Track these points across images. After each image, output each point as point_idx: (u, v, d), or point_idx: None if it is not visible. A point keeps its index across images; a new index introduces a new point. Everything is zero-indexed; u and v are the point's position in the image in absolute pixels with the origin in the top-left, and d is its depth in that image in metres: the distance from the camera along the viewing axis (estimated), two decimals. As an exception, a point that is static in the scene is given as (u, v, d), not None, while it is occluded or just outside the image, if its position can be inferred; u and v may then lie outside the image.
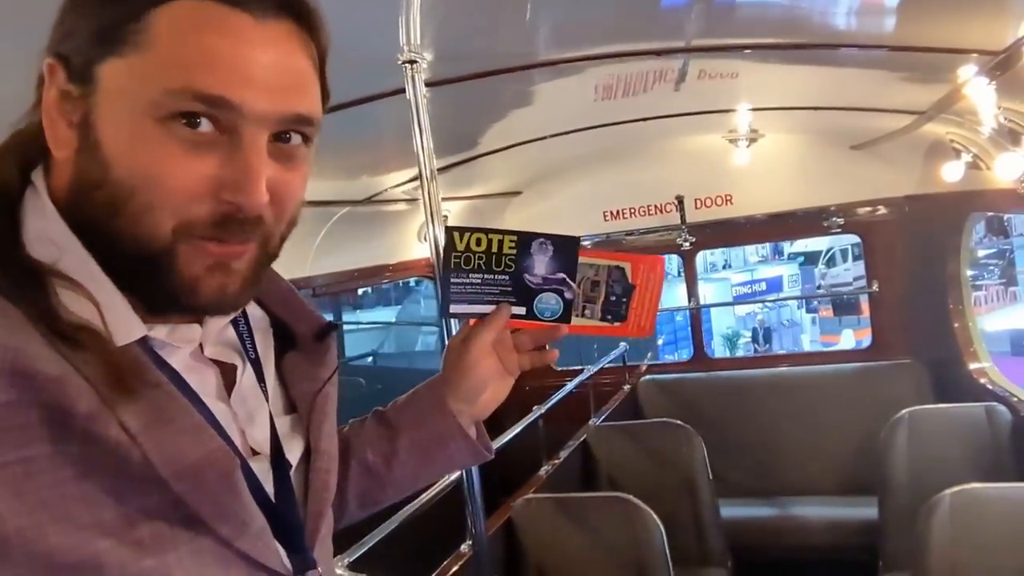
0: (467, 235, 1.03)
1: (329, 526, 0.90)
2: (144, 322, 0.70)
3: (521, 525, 2.90)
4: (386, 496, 1.14)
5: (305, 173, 0.76)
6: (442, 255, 1.04)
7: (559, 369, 4.44)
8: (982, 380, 3.76)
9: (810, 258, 18.99)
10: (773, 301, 17.34)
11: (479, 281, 1.04)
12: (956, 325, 3.94)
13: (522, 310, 1.06)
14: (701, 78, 2.88)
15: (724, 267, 18.26)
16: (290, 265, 0.88)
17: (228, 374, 0.82)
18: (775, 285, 17.84)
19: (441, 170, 3.45)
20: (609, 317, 1.10)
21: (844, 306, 17.12)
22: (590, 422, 4.07)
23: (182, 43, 0.65)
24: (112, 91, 0.67)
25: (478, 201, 4.49)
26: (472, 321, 1.08)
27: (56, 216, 0.70)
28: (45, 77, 0.69)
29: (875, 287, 4.43)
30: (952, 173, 3.21)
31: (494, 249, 1.04)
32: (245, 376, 0.83)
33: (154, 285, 0.70)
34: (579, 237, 1.07)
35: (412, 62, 1.68)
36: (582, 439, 3.84)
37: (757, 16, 2.29)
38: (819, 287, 18.64)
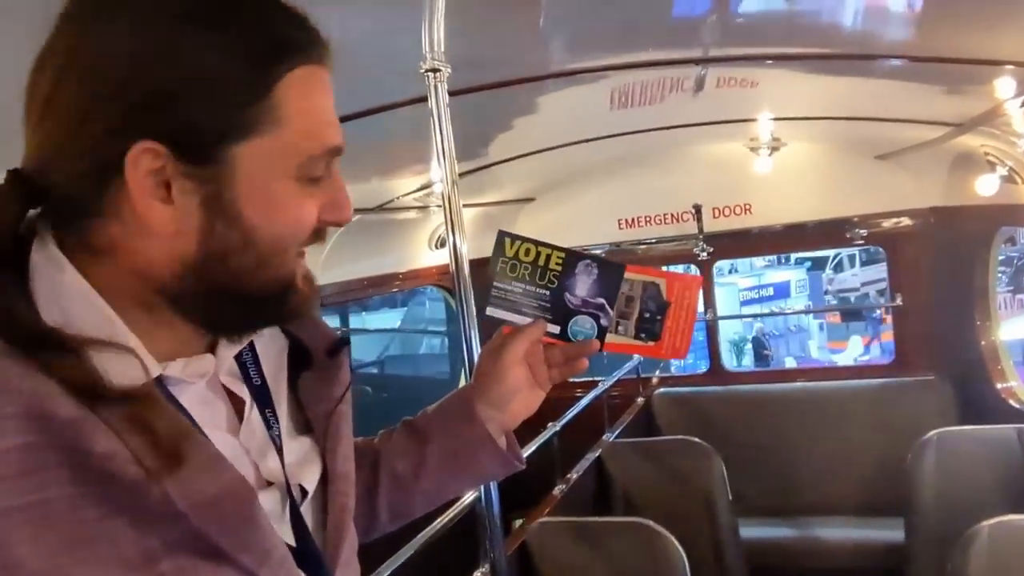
0: (517, 243, 1.06)
1: (352, 548, 0.91)
2: (159, 361, 0.73)
3: (536, 550, 2.79)
4: (416, 506, 1.15)
5: None
6: (490, 257, 1.06)
7: (572, 380, 4.35)
8: (1010, 400, 3.65)
9: (817, 263, 18.88)
10: (799, 312, 17.28)
11: (520, 291, 1.07)
12: (983, 342, 3.83)
13: (556, 329, 1.08)
14: (720, 86, 2.81)
15: (731, 272, 18.15)
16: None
17: (239, 403, 0.84)
18: (782, 290, 17.70)
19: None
20: (643, 335, 1.10)
21: (852, 313, 17.03)
22: (604, 437, 3.97)
23: (310, 114, 0.75)
24: (253, 168, 0.72)
25: (491, 208, 4.41)
26: (505, 329, 1.09)
27: (70, 268, 0.71)
28: (128, 159, 0.69)
29: (899, 300, 4.32)
30: (987, 186, 3.12)
31: (540, 262, 1.06)
32: (253, 409, 0.85)
33: (281, 308, 0.80)
34: (624, 265, 1.08)
35: (435, 70, 1.61)
36: (596, 456, 3.74)
37: (775, 26, 2.20)
38: (826, 292, 18.54)
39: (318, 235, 0.80)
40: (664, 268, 1.17)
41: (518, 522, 3.03)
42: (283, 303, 0.79)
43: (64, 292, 0.70)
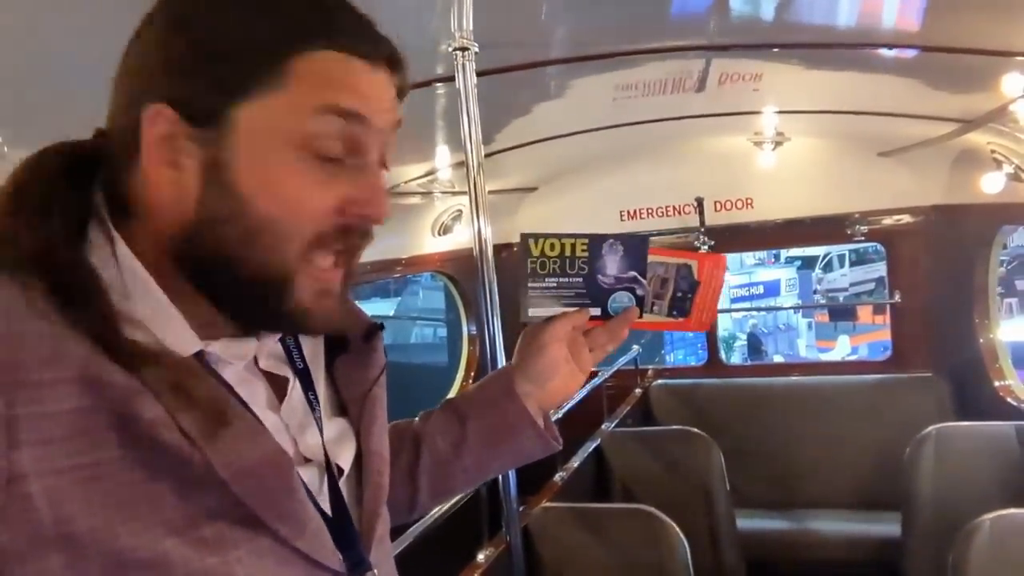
0: (541, 240, 1.08)
1: (386, 527, 0.93)
2: (201, 338, 0.74)
3: (539, 534, 2.79)
4: (457, 484, 1.17)
5: None
6: (520, 261, 1.07)
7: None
8: (1008, 398, 3.68)
9: (807, 262, 18.95)
10: (796, 308, 17.30)
11: (555, 284, 1.08)
12: (981, 340, 3.85)
13: (598, 311, 1.10)
14: (723, 81, 2.80)
15: (721, 269, 18.14)
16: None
17: (279, 386, 0.85)
18: (773, 289, 17.76)
19: (456, 165, 3.39)
20: (675, 313, 1.14)
21: (840, 312, 17.09)
22: (603, 427, 3.97)
23: (323, 76, 0.73)
24: (252, 130, 0.72)
25: (493, 196, 4.38)
26: None
27: (119, 238, 0.73)
28: (144, 121, 0.72)
29: (897, 297, 4.34)
30: (992, 184, 3.12)
31: (567, 253, 1.08)
32: (295, 388, 0.87)
33: (272, 310, 0.76)
34: (647, 236, 1.12)
35: (464, 49, 1.60)
36: (596, 445, 3.74)
37: (780, 15, 2.19)
38: (815, 291, 18.61)
39: (345, 235, 0.76)
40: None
41: (519, 508, 3.04)
42: (277, 304, 0.76)
43: (115, 264, 0.72)
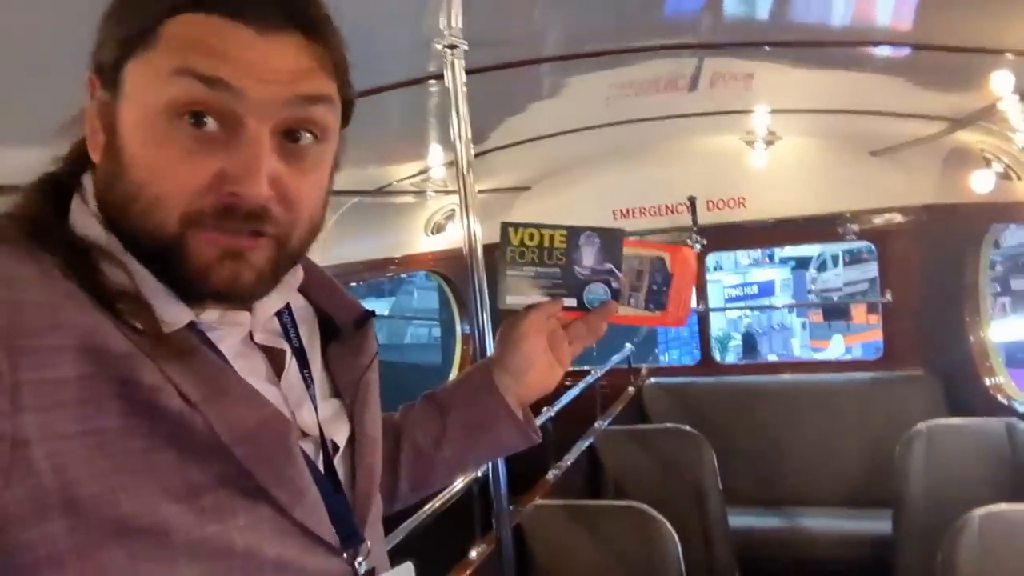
0: (520, 230, 1.09)
1: (378, 510, 0.94)
2: (192, 308, 0.75)
3: (531, 531, 2.80)
4: (437, 477, 1.17)
5: (319, 177, 0.79)
6: (498, 250, 1.08)
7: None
8: (998, 395, 3.69)
9: (801, 263, 19.01)
10: (790, 307, 17.35)
11: (533, 274, 1.09)
12: (972, 338, 3.87)
13: (573, 301, 1.11)
14: (715, 80, 2.81)
15: (715, 269, 18.22)
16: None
17: (277, 361, 0.86)
18: (767, 289, 17.82)
19: (449, 164, 3.39)
20: (651, 306, 1.15)
21: (834, 312, 17.15)
22: (596, 425, 3.98)
23: (185, 39, 0.70)
24: (131, 90, 0.71)
25: (486, 196, 4.40)
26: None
27: (97, 214, 0.75)
28: (88, 91, 0.76)
29: (888, 296, 4.35)
30: (982, 183, 3.13)
31: (546, 244, 1.09)
32: (292, 363, 0.87)
33: (170, 273, 0.73)
34: (624, 230, 1.12)
35: (453, 47, 1.61)
36: (589, 443, 3.75)
37: (773, 12, 2.20)
38: (810, 291, 18.67)
39: (226, 216, 0.71)
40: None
41: (511, 506, 3.04)
42: (170, 269, 0.73)
43: (90, 235, 0.74)
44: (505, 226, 1.08)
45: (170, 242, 0.71)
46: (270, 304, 0.84)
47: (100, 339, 0.65)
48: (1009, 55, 2.19)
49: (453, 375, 4.45)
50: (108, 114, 0.73)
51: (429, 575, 2.35)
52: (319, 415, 0.87)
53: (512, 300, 1.09)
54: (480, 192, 4.25)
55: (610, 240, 1.11)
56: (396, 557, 2.10)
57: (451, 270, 4.32)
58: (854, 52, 2.45)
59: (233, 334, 0.81)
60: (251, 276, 0.74)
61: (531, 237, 1.08)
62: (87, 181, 0.77)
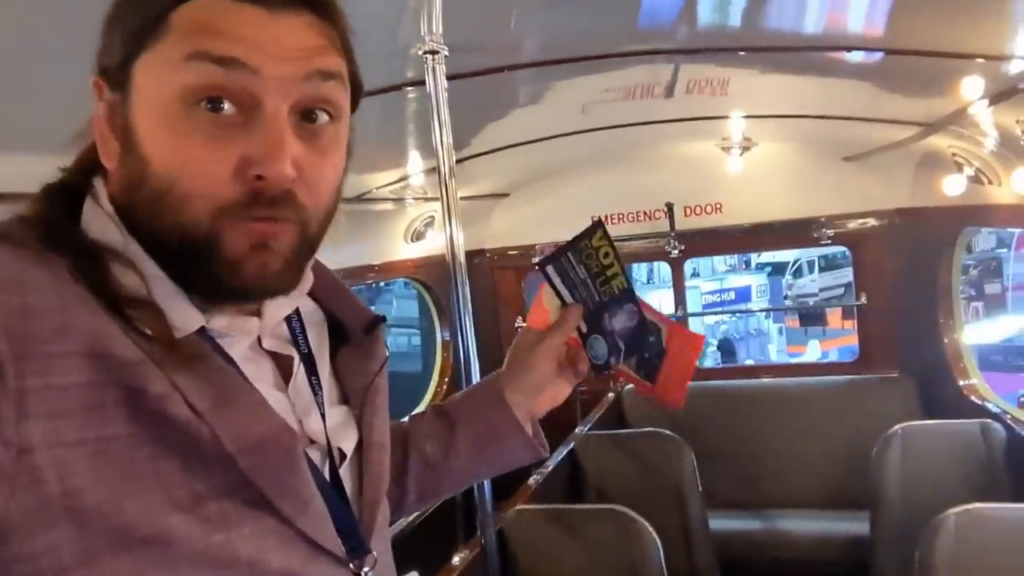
0: (604, 242, 1.07)
1: (385, 516, 0.93)
2: (203, 313, 0.74)
3: (513, 536, 2.81)
4: (444, 489, 1.17)
5: (337, 159, 0.79)
6: (576, 234, 1.06)
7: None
8: (972, 396, 3.74)
9: (777, 268, 19.12)
10: (771, 310, 17.42)
11: (581, 277, 1.07)
12: (946, 340, 3.91)
13: (584, 328, 1.10)
14: (691, 87, 2.84)
15: (693, 275, 18.30)
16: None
17: (285, 366, 0.85)
18: (744, 294, 17.89)
19: (429, 171, 3.39)
20: (642, 372, 1.15)
21: (810, 317, 17.26)
22: (577, 430, 3.99)
23: (197, 22, 0.69)
24: (143, 86, 0.71)
25: (464, 203, 4.40)
26: (530, 323, 1.13)
27: (114, 217, 0.74)
28: (94, 96, 0.75)
29: (863, 299, 4.40)
30: (953, 187, 3.18)
31: (608, 273, 1.08)
32: (300, 370, 0.87)
33: (201, 270, 0.72)
34: (665, 327, 1.12)
35: (433, 52, 1.62)
36: (570, 448, 3.76)
37: (747, 18, 2.23)
38: (786, 297, 18.77)
39: (256, 202, 0.71)
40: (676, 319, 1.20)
41: (493, 511, 3.04)
42: (202, 266, 0.72)
43: (105, 239, 0.73)
44: (599, 225, 1.07)
45: (204, 238, 0.71)
46: (280, 308, 0.84)
47: (108, 345, 0.65)
48: (979, 60, 2.23)
49: (434, 381, 4.46)
50: (120, 115, 0.72)
51: (416, 578, 2.36)
52: (326, 423, 0.87)
53: (551, 272, 1.06)
54: (459, 199, 4.28)
55: (644, 328, 1.10)
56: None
57: (431, 277, 4.33)
58: (827, 58, 2.48)
59: (242, 340, 0.80)
60: (278, 264, 0.74)
61: (606, 255, 1.07)
62: (99, 185, 0.77)
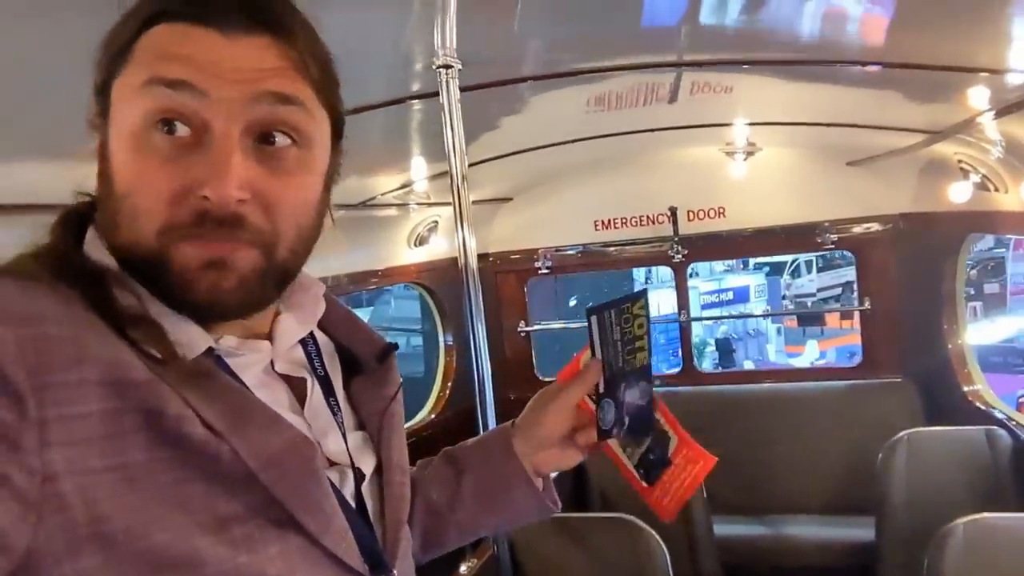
0: (643, 312, 1.05)
1: (408, 541, 0.93)
2: (211, 334, 0.75)
3: (519, 545, 2.80)
4: (449, 539, 1.14)
5: (303, 182, 0.78)
6: (624, 295, 1.04)
7: (548, 380, 4.37)
8: (976, 402, 3.74)
9: (775, 268, 19.19)
10: (771, 315, 17.45)
11: (611, 339, 1.04)
12: (950, 345, 3.91)
13: (601, 388, 1.06)
14: (694, 93, 2.84)
15: (691, 276, 18.30)
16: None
17: (299, 390, 0.85)
18: (742, 294, 17.95)
19: (433, 177, 3.39)
20: (642, 471, 1.12)
21: (808, 317, 17.31)
22: None
23: (154, 49, 0.71)
24: (115, 109, 0.73)
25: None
26: (560, 378, 1.09)
27: (101, 246, 0.75)
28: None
29: (867, 304, 4.40)
30: (959, 194, 3.18)
31: (636, 344, 1.06)
32: (315, 391, 0.87)
33: (155, 284, 0.73)
34: (670, 441, 1.11)
35: (447, 67, 1.62)
36: None
37: (749, 31, 2.23)
38: (784, 296, 18.83)
39: (203, 223, 0.71)
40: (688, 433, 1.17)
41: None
42: (156, 281, 0.73)
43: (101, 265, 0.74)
44: (644, 293, 1.06)
45: (152, 254, 0.71)
46: (291, 332, 0.85)
47: (123, 371, 0.65)
48: (983, 73, 2.23)
49: (437, 387, 4.45)
50: (102, 135, 0.75)
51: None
52: (347, 441, 0.87)
53: (592, 318, 1.03)
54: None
55: (647, 411, 1.09)
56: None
57: (434, 282, 4.32)
58: (831, 68, 2.48)
59: (254, 363, 0.81)
60: (232, 282, 0.73)
61: (640, 327, 1.05)
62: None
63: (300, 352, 0.89)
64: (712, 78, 2.73)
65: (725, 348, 15.48)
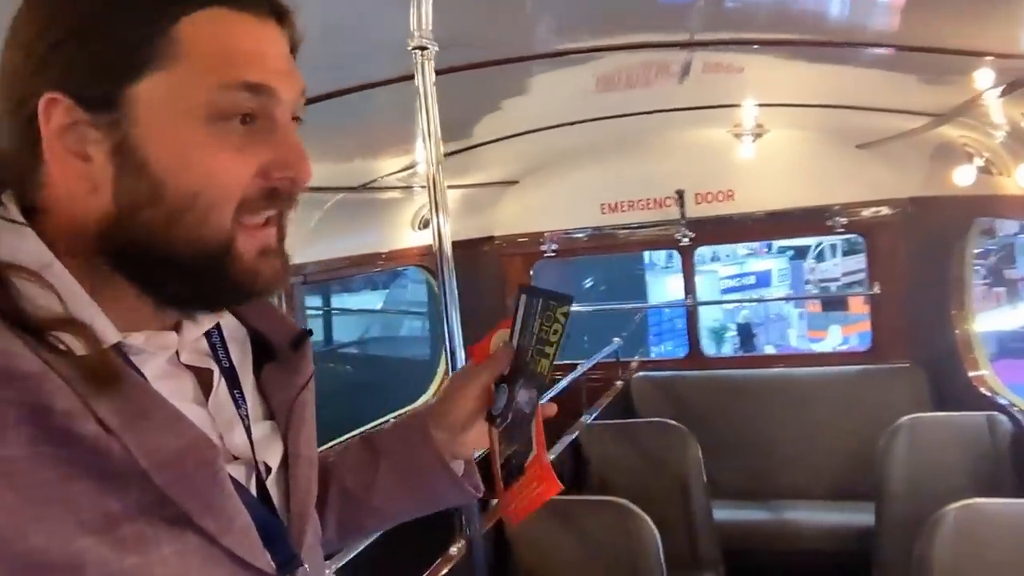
0: (563, 321, 1.03)
1: (316, 533, 0.93)
2: (121, 331, 0.72)
3: (511, 527, 2.82)
4: (368, 524, 1.15)
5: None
6: (556, 293, 1.04)
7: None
8: (981, 388, 3.70)
9: (799, 252, 18.99)
10: (782, 299, 17.32)
11: (531, 328, 1.05)
12: (957, 330, 3.87)
13: (505, 372, 1.08)
14: (706, 71, 2.81)
15: (712, 260, 18.19)
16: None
17: (205, 381, 0.84)
18: (764, 279, 17.78)
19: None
20: (504, 472, 1.11)
21: (832, 302, 17.14)
22: (582, 419, 3.99)
23: (222, 45, 0.71)
24: (155, 108, 0.70)
25: (475, 189, 4.40)
26: (475, 358, 1.11)
27: (32, 235, 0.71)
28: (39, 114, 0.70)
29: (876, 288, 4.35)
30: (964, 177, 3.14)
31: (546, 350, 1.04)
32: (220, 384, 0.86)
33: (217, 280, 0.74)
34: (529, 454, 1.08)
35: (422, 48, 1.61)
36: (573, 437, 3.76)
37: (763, 11, 2.21)
38: (807, 281, 18.64)
39: (270, 198, 0.75)
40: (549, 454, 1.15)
41: (494, 501, 3.05)
42: (219, 275, 0.74)
43: (23, 259, 0.70)
44: (570, 301, 1.03)
45: (221, 247, 0.73)
46: (200, 324, 0.83)
47: (9, 361, 0.61)
48: (990, 57, 2.20)
49: (441, 369, 4.46)
50: (109, 136, 0.70)
51: (407, 570, 2.38)
52: (251, 436, 0.85)
53: (524, 294, 1.05)
54: (468, 186, 4.28)
55: (527, 419, 1.07)
56: (377, 552, 2.11)
57: (436, 265, 4.32)
58: (846, 49, 2.45)
59: (159, 355, 0.79)
60: (280, 264, 0.79)
61: (555, 333, 1.03)
62: (9, 201, 0.73)
63: (204, 343, 0.86)
64: (724, 58, 2.71)
65: (746, 333, 15.39)
